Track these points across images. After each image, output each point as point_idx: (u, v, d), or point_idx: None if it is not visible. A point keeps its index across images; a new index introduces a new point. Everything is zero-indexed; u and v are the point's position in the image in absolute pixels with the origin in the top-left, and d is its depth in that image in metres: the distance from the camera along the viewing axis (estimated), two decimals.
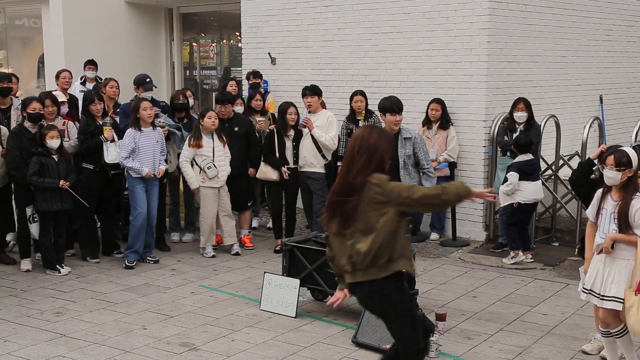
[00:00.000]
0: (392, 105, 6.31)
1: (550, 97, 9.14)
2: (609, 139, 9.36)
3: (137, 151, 7.28)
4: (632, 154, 4.64)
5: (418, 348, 4.10)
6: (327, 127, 7.71)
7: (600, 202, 4.72)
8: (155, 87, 8.31)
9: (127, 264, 7.32)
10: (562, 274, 7.19)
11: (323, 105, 8.12)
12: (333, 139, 7.70)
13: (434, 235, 8.48)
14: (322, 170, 7.73)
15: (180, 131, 7.93)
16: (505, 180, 7.34)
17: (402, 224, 3.94)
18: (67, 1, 11.70)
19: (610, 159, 4.59)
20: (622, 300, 4.55)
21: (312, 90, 7.82)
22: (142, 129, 7.32)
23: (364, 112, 8.33)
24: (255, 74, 9.49)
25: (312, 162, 7.70)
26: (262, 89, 9.38)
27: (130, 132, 7.28)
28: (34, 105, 7.20)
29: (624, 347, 4.75)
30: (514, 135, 7.70)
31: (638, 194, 4.57)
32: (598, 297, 4.69)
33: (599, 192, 4.77)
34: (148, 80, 8.14)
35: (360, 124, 8.32)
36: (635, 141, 7.67)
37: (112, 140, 7.43)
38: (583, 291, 4.85)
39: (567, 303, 6.30)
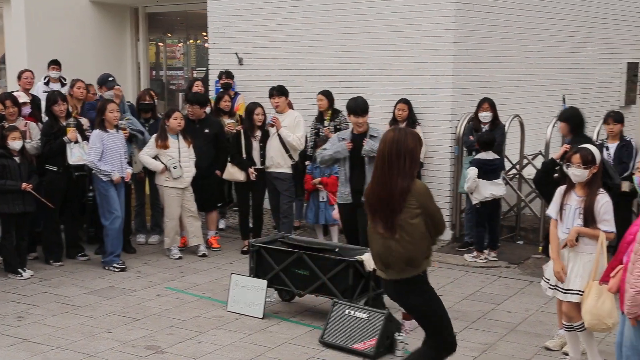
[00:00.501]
0: (355, 108, 6.31)
1: (515, 97, 9.26)
2: None
3: (104, 153, 7.18)
4: (596, 151, 4.78)
5: (451, 341, 4.27)
6: (294, 127, 7.70)
7: (563, 198, 4.83)
8: (119, 85, 8.19)
9: (117, 267, 7.23)
10: (526, 271, 7.28)
11: (290, 106, 8.11)
12: (300, 139, 7.70)
13: None
14: (289, 170, 7.72)
15: (142, 135, 7.83)
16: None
17: (429, 227, 4.09)
18: (30, 0, 11.50)
19: (577, 157, 4.72)
20: (583, 293, 4.66)
21: (279, 91, 7.80)
22: (108, 130, 7.23)
23: (329, 111, 8.35)
24: (228, 74, 9.44)
25: (279, 162, 7.68)
26: (232, 90, 9.33)
27: (97, 133, 7.18)
28: None
29: (586, 342, 4.84)
30: (477, 135, 7.77)
31: (602, 189, 4.70)
32: (562, 292, 4.79)
33: (561, 189, 4.90)
34: (111, 79, 8.05)
35: (326, 123, 8.35)
36: (597, 140, 7.81)
37: (76, 142, 7.33)
38: (549, 287, 4.92)
39: (530, 300, 6.39)
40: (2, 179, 6.79)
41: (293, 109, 8.12)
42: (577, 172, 4.72)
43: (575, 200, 4.76)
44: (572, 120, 6.46)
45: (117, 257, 7.30)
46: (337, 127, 8.24)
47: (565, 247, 4.77)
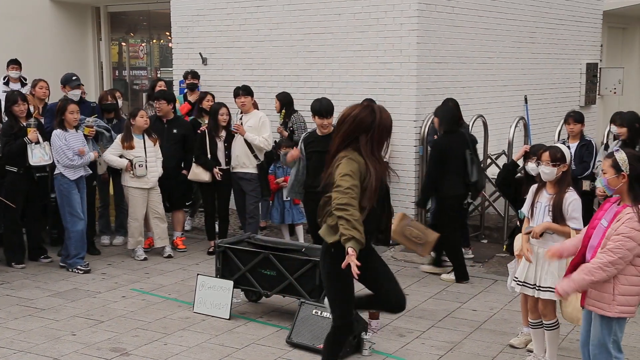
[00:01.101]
0: (320, 109, 6.26)
1: (479, 98, 9.38)
2: (533, 138, 9.68)
3: None
4: (565, 150, 4.89)
5: (339, 325, 4.32)
6: (259, 127, 7.68)
7: (535, 196, 4.94)
8: (82, 85, 8.07)
9: (81, 269, 7.14)
10: (491, 270, 7.39)
11: (255, 106, 8.09)
12: (267, 140, 7.68)
13: None
14: (254, 170, 7.70)
15: (109, 132, 7.76)
16: None
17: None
18: None
19: (546, 155, 4.83)
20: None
21: (245, 90, 7.78)
22: (68, 130, 7.13)
23: (283, 111, 8.37)
24: (194, 75, 9.37)
25: (244, 162, 7.66)
26: (197, 90, 9.27)
27: (58, 133, 7.07)
28: None
29: (550, 341, 4.92)
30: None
31: (571, 187, 4.82)
32: (533, 288, 4.86)
33: (534, 187, 5.00)
34: (74, 77, 7.93)
35: (279, 129, 8.37)
36: (558, 140, 7.96)
37: (37, 142, 7.20)
38: (517, 284, 5.00)
39: (495, 299, 6.48)
40: None
41: (258, 109, 8.10)
42: (546, 170, 4.81)
43: (545, 197, 4.86)
44: (443, 115, 6.98)
45: (81, 259, 7.21)
46: (291, 128, 8.23)
47: (537, 246, 4.85)
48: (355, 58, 8.74)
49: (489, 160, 8.58)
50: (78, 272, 7.11)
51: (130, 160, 7.42)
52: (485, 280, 7.05)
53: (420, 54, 8.42)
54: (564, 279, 4.15)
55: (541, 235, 4.80)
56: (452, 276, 6.92)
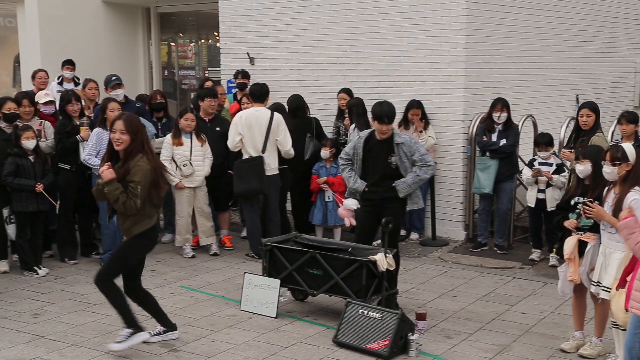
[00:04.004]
0: (381, 114, 5.97)
1: (528, 97, 9.23)
2: None
3: (103, 152, 7.19)
4: (629, 149, 4.83)
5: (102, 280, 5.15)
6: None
7: (605, 196, 4.92)
8: (122, 85, 8.17)
9: None
10: (541, 272, 7.26)
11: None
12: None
13: (414, 235, 8.52)
14: (275, 172, 7.65)
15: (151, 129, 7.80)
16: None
17: None
18: (43, 0, 11.57)
19: (607, 155, 4.83)
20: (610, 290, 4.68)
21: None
22: (109, 129, 7.26)
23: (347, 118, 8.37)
24: (244, 74, 9.45)
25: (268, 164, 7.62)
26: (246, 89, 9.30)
27: (97, 131, 7.21)
28: (9, 105, 7.13)
29: (619, 340, 4.81)
30: (492, 136, 7.77)
31: (637, 187, 4.74)
32: (605, 289, 4.83)
33: (606, 188, 4.97)
34: (114, 78, 8.12)
35: (346, 121, 8.34)
36: (612, 140, 7.78)
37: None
38: (592, 284, 4.97)
39: (545, 302, 6.37)
40: (16, 178, 6.84)
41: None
42: (607, 170, 4.81)
43: (611, 197, 4.84)
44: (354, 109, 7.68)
45: None
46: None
47: (602, 245, 4.86)
48: (402, 57, 8.69)
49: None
50: None
51: (176, 163, 7.52)
52: (534, 282, 6.93)
53: (468, 53, 8.33)
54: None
55: (597, 231, 4.74)
56: None
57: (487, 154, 7.75)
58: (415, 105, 8.18)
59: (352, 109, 8.21)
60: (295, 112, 8.23)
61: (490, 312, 6.12)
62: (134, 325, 5.17)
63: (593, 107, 7.06)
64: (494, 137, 7.76)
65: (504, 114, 7.74)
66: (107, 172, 4.94)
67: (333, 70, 9.21)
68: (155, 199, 5.08)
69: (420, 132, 8.11)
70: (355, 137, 6.42)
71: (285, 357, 5.19)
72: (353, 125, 8.12)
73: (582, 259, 5.04)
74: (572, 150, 6.90)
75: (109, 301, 5.16)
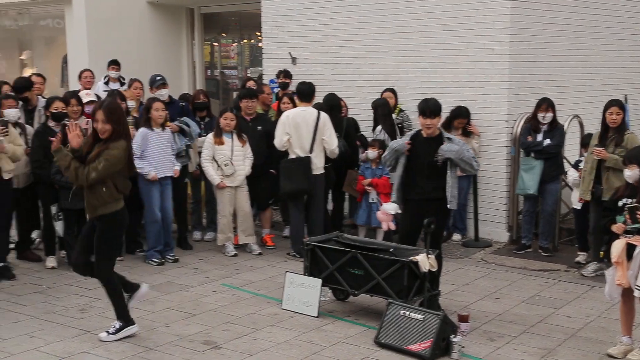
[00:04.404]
0: (424, 108, 5.93)
1: (574, 97, 9.06)
2: None
3: (148, 151, 7.32)
4: None
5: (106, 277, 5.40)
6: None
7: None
8: (167, 85, 8.28)
9: (155, 261, 7.42)
10: (587, 276, 7.12)
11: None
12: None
13: (456, 236, 8.44)
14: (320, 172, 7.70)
15: (188, 127, 7.84)
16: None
17: None
18: (90, 2, 11.80)
19: (625, 159, 4.92)
20: None
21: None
22: (154, 129, 7.37)
23: (396, 109, 8.34)
24: (286, 74, 9.49)
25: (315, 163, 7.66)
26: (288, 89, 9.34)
27: (142, 131, 7.32)
28: (57, 105, 7.27)
29: None
30: (537, 136, 7.66)
31: None
32: None
33: None
34: (158, 78, 8.22)
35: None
36: None
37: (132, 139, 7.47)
38: (636, 288, 4.88)
39: (591, 306, 6.25)
40: (63, 176, 6.97)
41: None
42: (627, 173, 4.85)
43: None
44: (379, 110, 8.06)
45: (157, 252, 7.44)
46: (399, 125, 8.22)
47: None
48: (444, 57, 8.62)
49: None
50: (152, 264, 7.36)
51: (217, 163, 7.60)
52: (580, 286, 6.81)
53: (512, 53, 8.22)
54: None
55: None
56: None
57: (532, 154, 7.63)
58: (463, 114, 8.10)
59: (378, 109, 8.24)
60: (331, 110, 8.24)
61: (534, 315, 6.02)
62: (125, 318, 5.44)
63: (621, 105, 6.96)
64: (539, 138, 7.64)
65: (549, 114, 7.61)
66: (72, 136, 5.21)
67: (375, 69, 9.18)
68: (120, 185, 5.29)
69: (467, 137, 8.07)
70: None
71: (327, 356, 5.19)
72: (379, 127, 8.12)
73: (631, 263, 4.93)
74: (603, 148, 6.78)
75: (109, 293, 5.42)
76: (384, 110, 8.19)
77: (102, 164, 5.10)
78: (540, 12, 8.52)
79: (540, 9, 8.52)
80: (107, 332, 5.41)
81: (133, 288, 5.59)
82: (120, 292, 5.44)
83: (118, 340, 5.36)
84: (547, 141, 7.58)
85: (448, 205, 5.94)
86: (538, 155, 7.61)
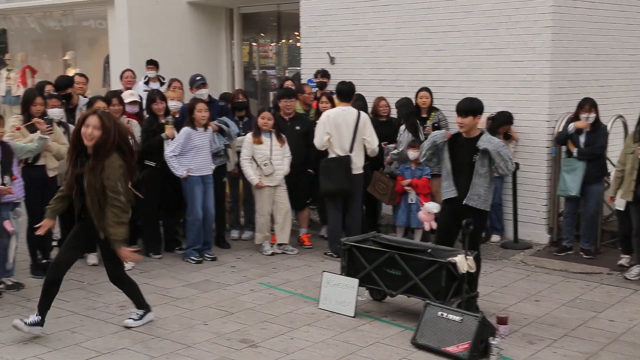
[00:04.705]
0: (457, 107, 5.91)
1: (618, 97, 8.88)
2: None
3: (192, 151, 7.39)
4: None
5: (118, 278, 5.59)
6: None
7: None
8: (206, 84, 8.34)
9: (193, 259, 7.48)
10: (630, 279, 6.96)
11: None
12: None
13: (495, 237, 8.34)
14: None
15: (227, 126, 7.89)
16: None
17: None
18: (132, 2, 11.98)
19: None
20: None
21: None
22: (197, 129, 7.44)
23: (432, 112, 8.29)
24: (324, 74, 9.50)
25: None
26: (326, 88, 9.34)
27: (185, 130, 7.39)
28: (99, 104, 7.38)
29: None
30: (580, 137, 7.52)
31: None
32: None
33: None
34: (198, 78, 8.28)
35: (428, 123, 8.26)
36: None
37: (173, 138, 7.56)
38: None
39: (635, 310, 6.11)
40: None
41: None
42: None
43: None
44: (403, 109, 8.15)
45: (195, 250, 7.51)
46: (436, 124, 8.17)
47: None
48: (484, 57, 8.53)
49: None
50: (191, 262, 7.42)
51: (257, 162, 7.63)
52: (623, 289, 6.66)
53: (554, 52, 8.09)
54: None
55: None
56: None
57: (574, 154, 7.49)
58: (509, 121, 8.00)
59: (401, 109, 8.21)
60: (409, 115, 8.25)
61: (575, 319, 5.92)
62: (145, 307, 5.70)
63: None
64: (582, 139, 7.51)
65: (592, 115, 7.47)
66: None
67: (413, 69, 9.12)
68: (127, 195, 5.29)
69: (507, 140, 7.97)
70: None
71: (363, 357, 5.18)
72: (403, 126, 8.08)
73: None
74: None
75: (128, 293, 5.66)
76: (407, 109, 8.22)
77: (119, 185, 5.14)
78: (583, 10, 8.37)
79: (583, 7, 8.36)
80: (132, 319, 5.64)
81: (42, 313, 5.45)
82: (135, 288, 5.69)
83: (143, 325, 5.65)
84: (582, 137, 7.45)
85: (470, 204, 5.81)
86: (580, 156, 7.48)
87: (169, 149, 7.39)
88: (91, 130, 5.07)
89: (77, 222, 5.39)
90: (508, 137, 8.08)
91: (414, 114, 8.25)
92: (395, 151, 8.09)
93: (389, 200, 8.11)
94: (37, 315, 5.35)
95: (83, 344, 5.33)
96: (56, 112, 7.24)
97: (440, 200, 6.33)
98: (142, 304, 5.70)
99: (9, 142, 6.48)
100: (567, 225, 7.77)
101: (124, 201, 5.19)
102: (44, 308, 5.37)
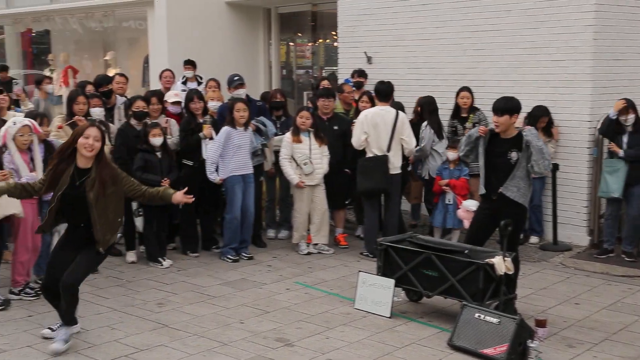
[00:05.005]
0: (493, 106, 5.84)
1: None
2: None
3: (233, 150, 7.43)
4: None
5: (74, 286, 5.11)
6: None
7: None
8: (244, 84, 8.38)
9: (230, 258, 7.52)
10: None
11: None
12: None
13: (534, 239, 8.22)
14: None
15: (264, 126, 7.93)
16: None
17: None
18: (171, 3, 12.11)
19: None
20: None
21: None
22: (237, 128, 7.48)
23: (471, 113, 8.22)
24: (360, 73, 9.49)
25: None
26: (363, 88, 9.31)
27: (225, 129, 7.44)
28: (139, 104, 7.51)
29: None
30: (622, 138, 7.38)
31: None
32: None
33: None
34: (236, 78, 8.34)
35: (468, 124, 8.18)
36: None
37: (211, 138, 7.62)
38: None
39: None
40: (144, 173, 7.18)
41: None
42: None
43: None
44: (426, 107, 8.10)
45: (232, 249, 7.55)
46: (476, 124, 8.09)
47: None
48: (524, 56, 8.41)
49: None
50: (227, 261, 7.47)
51: (296, 162, 7.66)
52: None
53: (596, 51, 7.95)
54: None
55: None
56: None
57: (621, 154, 7.34)
58: (544, 113, 7.89)
59: (424, 107, 8.17)
60: (431, 114, 8.21)
61: (616, 323, 5.80)
62: (74, 321, 5.31)
63: None
64: (625, 139, 7.37)
65: (631, 116, 7.34)
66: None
67: (451, 69, 9.05)
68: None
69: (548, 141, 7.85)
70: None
71: (399, 357, 5.15)
72: (425, 123, 8.03)
73: None
74: None
75: (68, 303, 5.11)
76: (429, 107, 8.21)
77: (135, 180, 5.36)
78: (627, 9, 8.21)
79: (627, 5, 8.20)
80: (59, 342, 5.13)
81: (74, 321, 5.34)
82: (77, 302, 5.28)
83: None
84: (625, 138, 7.33)
85: (507, 194, 5.73)
86: (627, 157, 7.34)
87: (210, 152, 7.45)
88: (92, 142, 5.03)
89: (72, 234, 5.20)
90: (549, 133, 7.95)
91: (437, 111, 8.22)
92: (417, 147, 8.04)
93: (413, 199, 8.42)
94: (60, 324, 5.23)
95: (121, 340, 5.41)
96: (97, 112, 7.37)
97: (478, 199, 6.28)
98: (73, 320, 5.28)
99: (52, 140, 6.62)
100: (608, 227, 7.62)
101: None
102: (59, 311, 5.22)
